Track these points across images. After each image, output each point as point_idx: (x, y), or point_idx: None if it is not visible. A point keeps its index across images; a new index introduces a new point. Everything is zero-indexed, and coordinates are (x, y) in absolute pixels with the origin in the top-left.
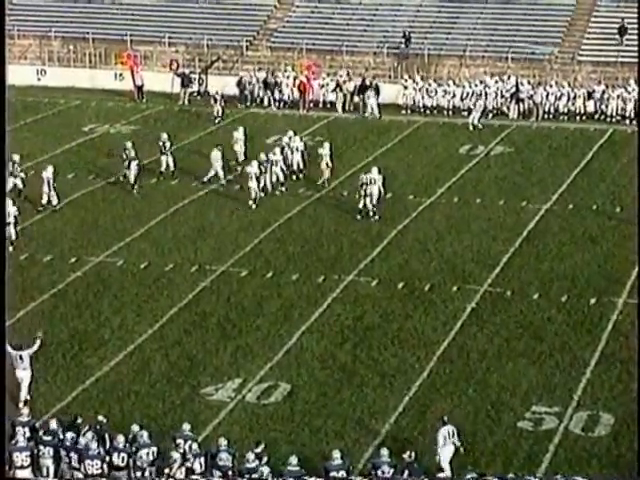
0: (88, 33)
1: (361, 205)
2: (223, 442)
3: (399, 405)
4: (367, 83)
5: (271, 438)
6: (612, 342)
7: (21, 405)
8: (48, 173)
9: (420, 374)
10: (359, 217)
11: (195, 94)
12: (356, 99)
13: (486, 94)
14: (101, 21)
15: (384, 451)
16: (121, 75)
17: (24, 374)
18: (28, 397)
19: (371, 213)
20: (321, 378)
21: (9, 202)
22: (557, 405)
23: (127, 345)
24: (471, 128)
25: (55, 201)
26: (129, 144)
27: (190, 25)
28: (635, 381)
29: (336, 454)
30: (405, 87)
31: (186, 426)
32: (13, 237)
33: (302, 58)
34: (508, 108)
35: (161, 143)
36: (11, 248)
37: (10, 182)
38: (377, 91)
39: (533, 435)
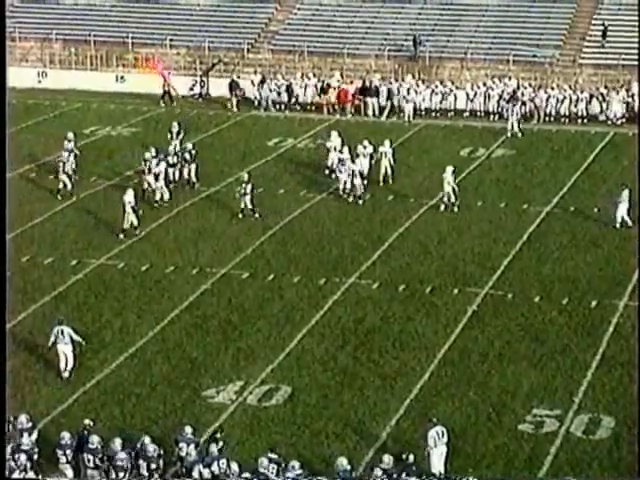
0: (89, 35)
1: (445, 199)
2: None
3: (400, 408)
4: (367, 85)
5: (272, 441)
6: (613, 345)
7: (65, 375)
8: (160, 168)
9: (421, 377)
10: (442, 208)
11: (196, 97)
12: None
13: (490, 96)
14: (102, 24)
15: (385, 457)
16: (122, 77)
17: (66, 348)
18: (71, 366)
19: (449, 207)
20: (322, 381)
21: (128, 192)
22: (558, 408)
23: (128, 347)
24: (509, 135)
25: (167, 196)
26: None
27: (191, 28)
28: (636, 384)
29: (342, 460)
30: (407, 90)
31: (188, 429)
32: (125, 225)
33: (304, 61)
34: (507, 111)
35: (187, 153)
36: (122, 235)
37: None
38: (377, 93)
39: (534, 438)
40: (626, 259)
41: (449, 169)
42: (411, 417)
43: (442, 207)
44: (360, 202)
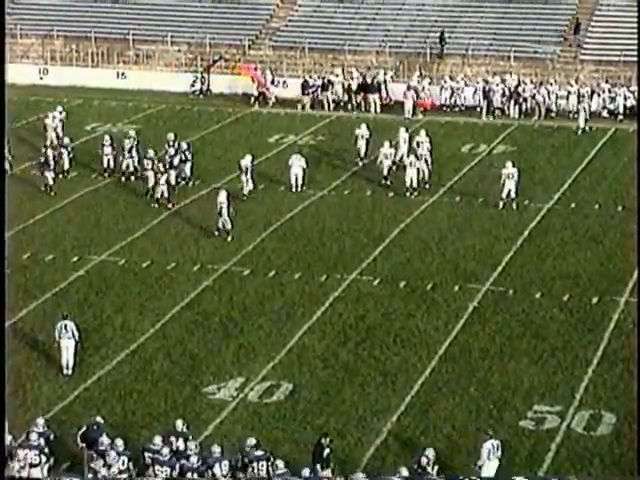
0: (90, 32)
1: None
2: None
3: (401, 404)
4: (369, 81)
5: (273, 437)
6: (614, 341)
7: (66, 371)
8: (247, 161)
9: (422, 373)
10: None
11: (197, 93)
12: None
13: (493, 92)
14: (103, 20)
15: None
16: (123, 74)
17: (69, 342)
18: (72, 363)
19: (507, 205)
20: (323, 377)
21: (222, 193)
22: (559, 404)
23: (129, 344)
24: (579, 132)
25: (251, 187)
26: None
27: (192, 24)
28: (637, 380)
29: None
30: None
31: (179, 423)
32: (228, 226)
33: (305, 57)
34: (508, 107)
35: (183, 151)
36: (229, 238)
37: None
38: (379, 89)
39: (535, 434)
40: (627, 255)
41: (509, 164)
42: (412, 413)
43: (500, 204)
44: (415, 194)
